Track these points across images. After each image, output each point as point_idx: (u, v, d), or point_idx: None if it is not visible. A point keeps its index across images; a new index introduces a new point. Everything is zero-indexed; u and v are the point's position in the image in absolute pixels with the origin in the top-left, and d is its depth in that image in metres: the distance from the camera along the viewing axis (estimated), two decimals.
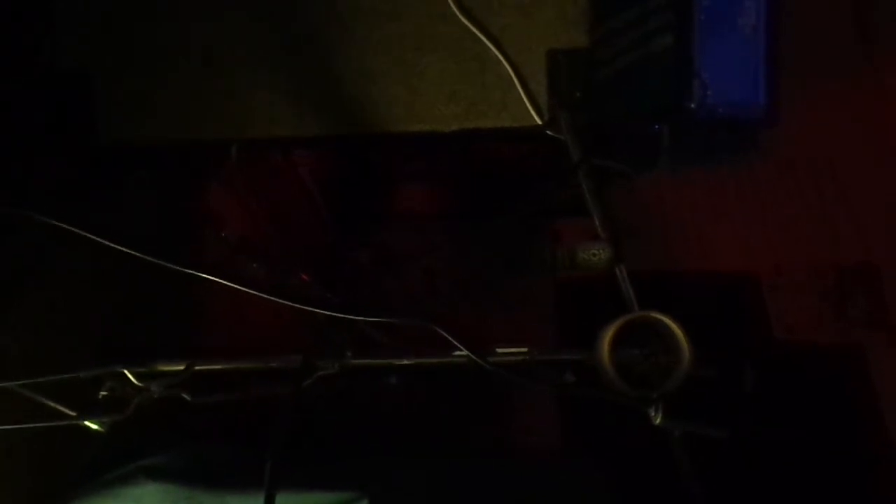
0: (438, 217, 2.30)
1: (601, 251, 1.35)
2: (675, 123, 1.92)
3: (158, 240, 1.97)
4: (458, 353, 1.21)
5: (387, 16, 1.61)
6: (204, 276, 1.14)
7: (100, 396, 1.20)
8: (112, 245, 1.14)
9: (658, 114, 1.89)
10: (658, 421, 1.18)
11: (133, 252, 1.13)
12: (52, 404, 1.22)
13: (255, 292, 1.13)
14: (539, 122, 1.57)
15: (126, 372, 1.19)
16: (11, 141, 1.60)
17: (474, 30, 1.56)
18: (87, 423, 1.24)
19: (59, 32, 1.65)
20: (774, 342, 2.13)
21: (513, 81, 1.58)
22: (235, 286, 1.12)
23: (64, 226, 1.12)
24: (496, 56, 1.57)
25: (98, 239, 1.14)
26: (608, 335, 1.18)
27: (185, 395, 1.21)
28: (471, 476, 1.51)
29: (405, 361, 1.29)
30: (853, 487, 2.01)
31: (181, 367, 1.21)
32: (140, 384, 1.19)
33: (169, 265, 1.13)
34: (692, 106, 1.83)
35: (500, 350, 1.26)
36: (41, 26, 1.64)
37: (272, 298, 1.14)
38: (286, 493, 1.16)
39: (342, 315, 1.19)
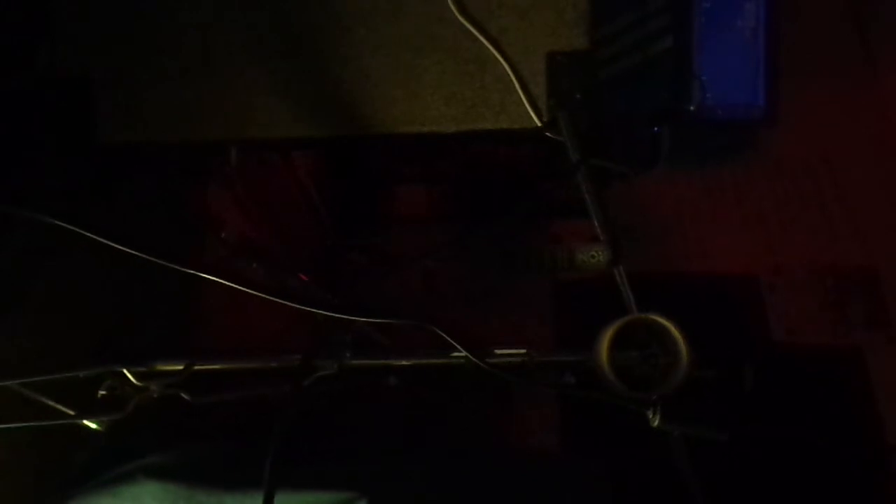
0: (437, 219, 2.30)
1: (600, 253, 1.35)
2: (675, 125, 1.93)
3: (158, 241, 1.97)
4: (456, 354, 1.21)
5: (386, 17, 1.61)
6: (203, 275, 1.13)
7: (99, 396, 1.20)
8: (112, 245, 1.13)
9: (658, 115, 1.90)
10: (656, 423, 1.18)
11: (133, 252, 1.13)
12: (52, 403, 1.22)
13: (254, 292, 1.13)
14: (538, 123, 1.57)
15: (125, 371, 1.19)
16: (11, 142, 1.60)
17: (474, 31, 1.56)
18: (86, 422, 1.24)
19: (59, 34, 1.65)
20: (774, 343, 2.13)
21: (512, 83, 1.57)
22: (235, 286, 1.12)
23: (65, 225, 1.12)
24: (496, 57, 1.57)
25: (98, 238, 1.14)
26: (607, 336, 1.18)
27: (184, 395, 1.21)
28: (470, 476, 1.51)
29: (404, 362, 1.29)
30: (852, 488, 2.01)
31: (180, 367, 1.21)
32: (139, 384, 1.19)
33: (169, 265, 1.13)
34: (692, 108, 1.84)
35: (498, 351, 1.26)
36: (40, 28, 1.64)
37: (271, 298, 1.14)
38: (285, 492, 1.16)
39: (341, 315, 1.19)
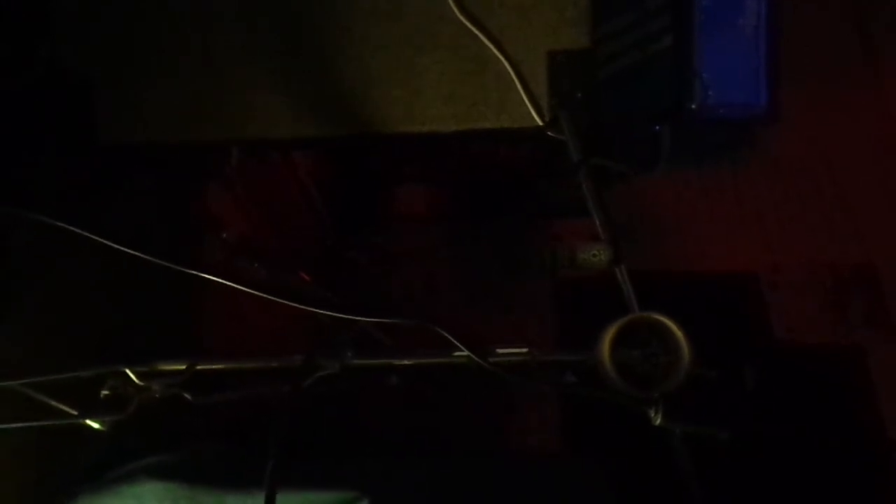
0: (438, 218, 2.31)
1: (601, 252, 1.35)
2: (676, 124, 1.93)
3: (159, 241, 1.98)
4: (458, 353, 1.21)
5: (386, 16, 1.61)
6: (205, 276, 1.13)
7: (101, 396, 1.20)
8: (113, 245, 1.13)
9: (659, 114, 1.90)
10: (658, 421, 1.18)
11: (134, 252, 1.13)
12: (54, 403, 1.22)
13: (256, 292, 1.13)
14: (540, 122, 1.57)
15: (127, 371, 1.19)
16: (11, 142, 1.60)
17: (474, 30, 1.56)
18: (88, 422, 1.24)
19: (59, 33, 1.65)
20: (774, 342, 2.14)
21: (513, 82, 1.57)
22: (236, 286, 1.12)
23: (65, 226, 1.12)
24: (496, 56, 1.57)
25: (99, 239, 1.14)
26: (609, 336, 1.18)
27: (186, 395, 1.21)
28: (471, 476, 1.51)
29: (406, 362, 1.28)
30: (853, 487, 2.02)
31: (182, 367, 1.21)
32: (141, 383, 1.19)
33: (169, 265, 1.13)
34: (693, 106, 1.83)
35: (500, 350, 1.25)
36: (40, 27, 1.64)
37: (273, 298, 1.14)
38: (286, 492, 1.16)
39: (343, 315, 1.19)
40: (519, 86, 1.57)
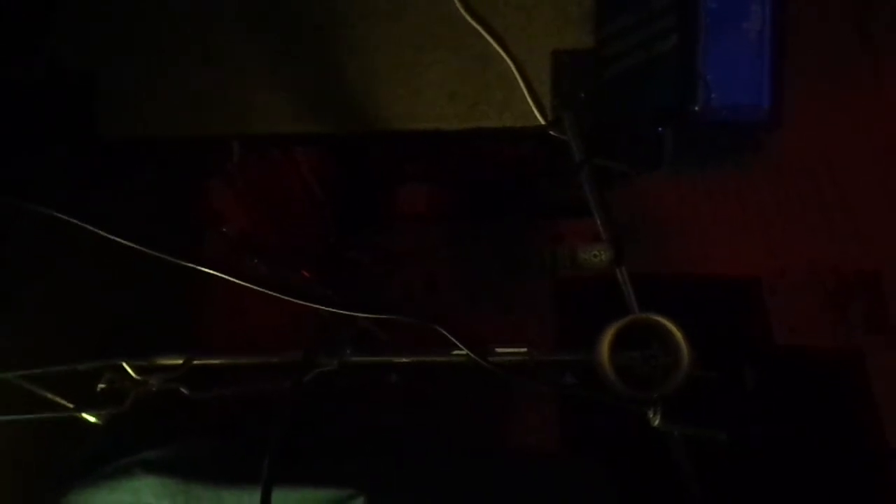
0: (438, 218, 2.31)
1: (602, 252, 1.34)
2: (679, 125, 1.92)
3: (160, 237, 1.98)
4: (458, 352, 1.21)
5: (389, 14, 1.61)
6: (205, 270, 1.13)
7: (98, 389, 1.19)
8: (114, 239, 1.13)
9: (662, 116, 1.89)
10: (657, 423, 1.18)
11: (135, 246, 1.13)
12: (51, 396, 1.22)
13: (256, 287, 1.13)
14: (542, 122, 1.57)
15: (125, 365, 1.19)
16: (13, 139, 1.60)
17: (478, 28, 1.56)
18: (85, 415, 1.24)
19: (61, 29, 1.65)
20: (775, 344, 2.14)
21: (516, 81, 1.57)
22: (237, 281, 1.12)
23: (67, 218, 1.12)
24: (499, 55, 1.57)
25: (100, 232, 1.13)
26: (608, 336, 1.18)
27: (183, 390, 1.20)
28: (470, 475, 1.51)
29: (405, 360, 1.28)
30: (852, 489, 2.01)
31: (180, 362, 1.20)
32: (139, 378, 1.19)
33: (171, 259, 1.13)
34: (696, 108, 1.83)
35: (500, 350, 1.25)
36: (43, 23, 1.64)
37: (273, 294, 1.13)
38: (283, 488, 1.16)
39: (343, 312, 1.18)
40: (522, 85, 1.57)
